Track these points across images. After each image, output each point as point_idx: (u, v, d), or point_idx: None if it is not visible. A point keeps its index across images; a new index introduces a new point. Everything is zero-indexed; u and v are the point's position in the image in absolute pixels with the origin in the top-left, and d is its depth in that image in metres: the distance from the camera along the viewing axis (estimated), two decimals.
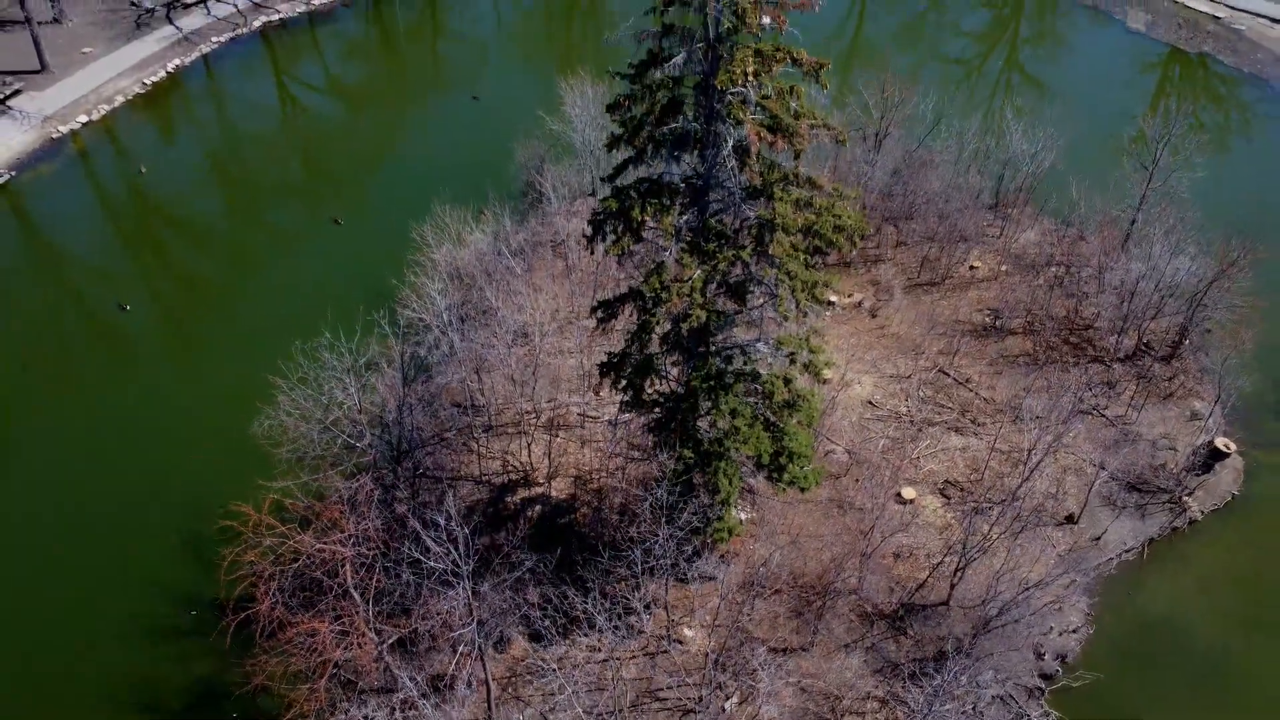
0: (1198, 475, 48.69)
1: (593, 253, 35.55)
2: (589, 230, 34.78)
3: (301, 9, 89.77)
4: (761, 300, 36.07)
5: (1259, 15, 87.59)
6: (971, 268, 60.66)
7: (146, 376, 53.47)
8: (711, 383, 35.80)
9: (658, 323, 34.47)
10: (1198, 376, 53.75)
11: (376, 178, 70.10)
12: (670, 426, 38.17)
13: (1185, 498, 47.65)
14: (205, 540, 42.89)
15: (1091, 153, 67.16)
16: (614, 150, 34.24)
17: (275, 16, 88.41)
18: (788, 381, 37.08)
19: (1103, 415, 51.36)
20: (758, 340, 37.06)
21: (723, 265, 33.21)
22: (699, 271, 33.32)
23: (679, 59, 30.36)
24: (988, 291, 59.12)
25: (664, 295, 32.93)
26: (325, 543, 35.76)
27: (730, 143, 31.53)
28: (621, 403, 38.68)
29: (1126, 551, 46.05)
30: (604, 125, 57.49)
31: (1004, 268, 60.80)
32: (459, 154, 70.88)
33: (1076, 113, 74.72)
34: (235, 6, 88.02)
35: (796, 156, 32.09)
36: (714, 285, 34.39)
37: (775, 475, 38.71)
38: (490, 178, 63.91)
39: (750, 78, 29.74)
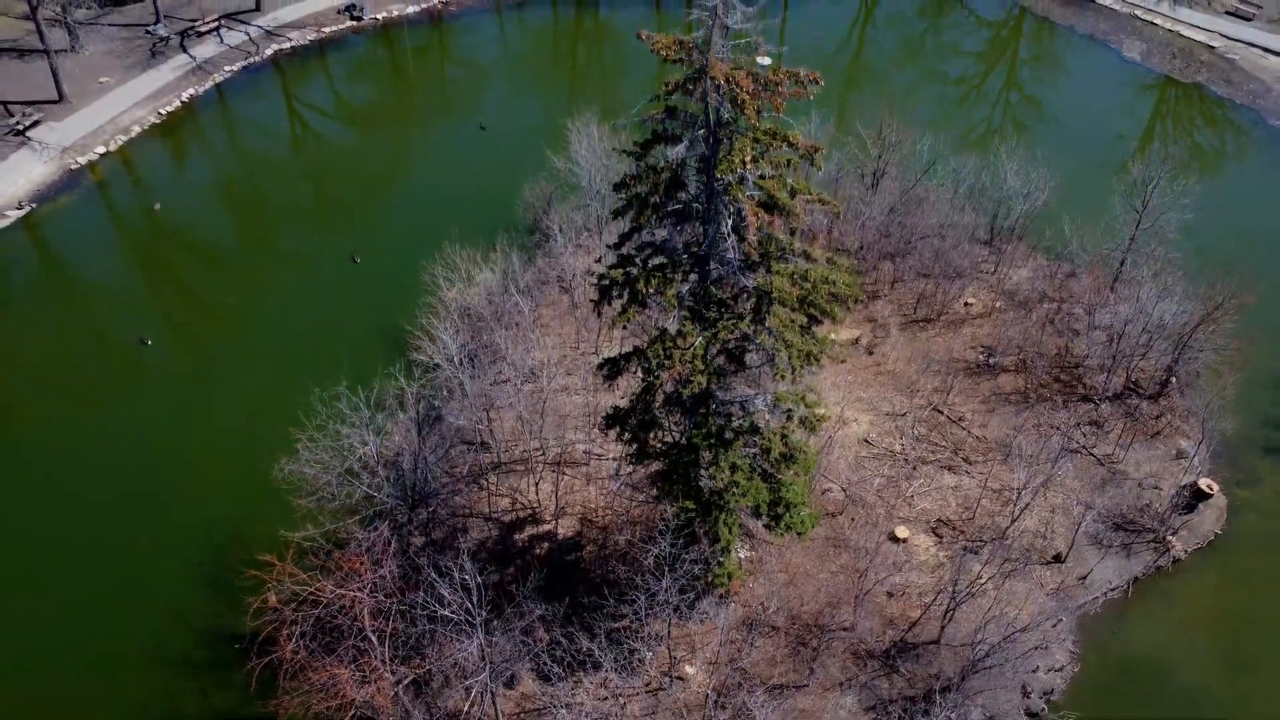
0: (1182, 515, 50.43)
1: (600, 315, 37.35)
2: (596, 295, 36.68)
3: (312, 36, 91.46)
4: (760, 361, 37.89)
5: (1253, 45, 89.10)
6: (966, 304, 62.39)
7: (165, 408, 55.22)
8: (712, 440, 37.62)
9: (660, 385, 36.34)
10: (1184, 415, 55.48)
11: (388, 208, 71.76)
12: (673, 479, 40.00)
13: (1169, 537, 49.40)
14: (226, 573, 44.64)
15: (1087, 180, 69.06)
16: (620, 219, 36.18)
17: (287, 44, 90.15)
18: (784, 437, 38.89)
19: (1091, 454, 53.12)
20: (756, 395, 38.84)
21: (723, 334, 35.05)
22: (700, 339, 35.15)
23: (681, 148, 32.14)
24: (982, 328, 60.85)
25: (667, 362, 34.77)
26: (344, 590, 37.79)
27: (729, 221, 33.32)
28: (626, 455, 40.56)
29: (1112, 590, 47.80)
30: (609, 166, 59.33)
31: (998, 304, 62.53)
32: (468, 183, 72.67)
33: (1071, 142, 77.09)
34: (247, 35, 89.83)
35: (793, 233, 33.90)
36: (715, 349, 36.19)
37: (772, 524, 40.60)
38: (498, 209, 66.01)
39: (749, 164, 31.48)
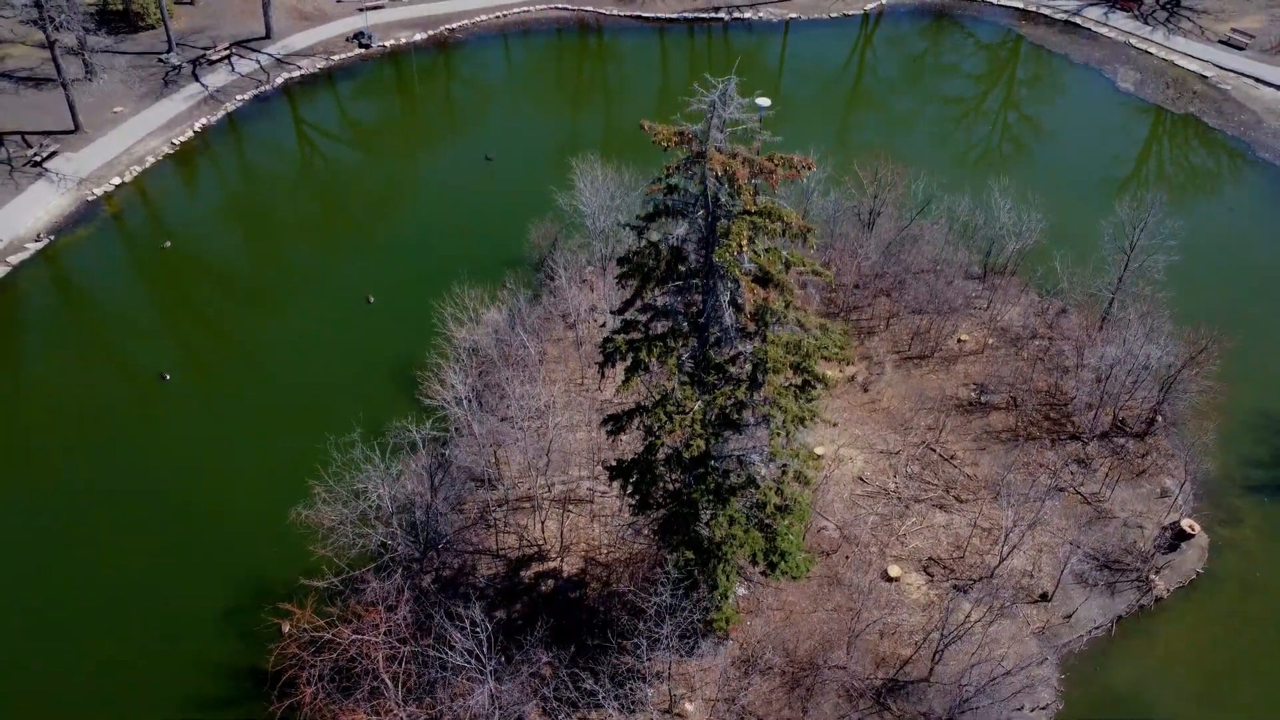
0: (1165, 554, 52.20)
1: (603, 377, 39.19)
2: (600, 358, 38.57)
3: (322, 64, 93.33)
4: (757, 419, 39.74)
5: (1244, 75, 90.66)
6: (960, 340, 64.13)
7: (184, 445, 57.06)
8: (711, 496, 39.49)
9: (662, 446, 38.22)
10: (1169, 454, 57.19)
11: (399, 242, 73.20)
12: (673, 528, 41.87)
13: (1152, 576, 51.18)
14: (244, 614, 46.61)
15: (1079, 215, 70.75)
16: (623, 286, 38.03)
17: (297, 72, 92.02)
18: (780, 489, 40.72)
19: (1078, 493, 54.91)
20: (752, 451, 40.68)
21: (720, 400, 36.90)
22: (699, 404, 37.00)
23: (682, 229, 33.98)
24: (974, 365, 62.60)
25: (668, 426, 36.63)
26: (361, 638, 39.75)
27: (726, 296, 35.17)
28: (630, 506, 42.42)
29: (1096, 629, 49.60)
30: (613, 208, 61.20)
31: (990, 340, 64.27)
32: (476, 217, 74.72)
33: (1064, 176, 78.75)
34: (258, 63, 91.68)
35: (787, 306, 35.73)
36: (713, 414, 38.03)
37: (768, 571, 42.47)
38: (505, 244, 68.36)
39: (745, 247, 33.30)
